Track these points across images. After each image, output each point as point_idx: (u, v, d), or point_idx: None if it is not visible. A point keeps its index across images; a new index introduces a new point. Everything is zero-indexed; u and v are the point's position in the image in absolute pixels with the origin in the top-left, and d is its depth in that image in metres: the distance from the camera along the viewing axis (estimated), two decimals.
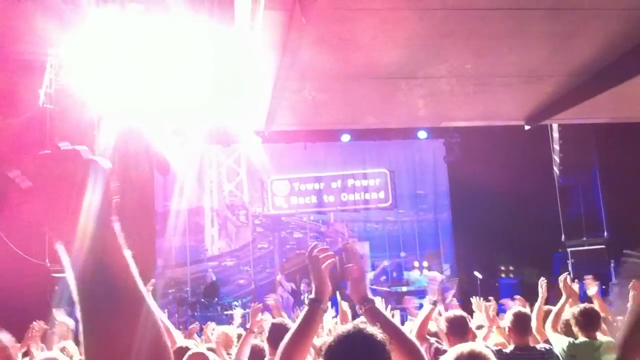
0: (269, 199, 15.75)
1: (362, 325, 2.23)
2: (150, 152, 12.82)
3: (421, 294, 13.08)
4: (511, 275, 14.89)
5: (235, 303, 14.15)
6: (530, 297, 6.51)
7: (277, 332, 5.11)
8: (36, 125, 9.85)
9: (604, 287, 8.65)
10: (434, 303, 5.09)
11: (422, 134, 15.14)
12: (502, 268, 14.99)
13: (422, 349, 3.07)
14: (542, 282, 5.77)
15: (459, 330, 4.66)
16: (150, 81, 6.13)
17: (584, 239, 13.39)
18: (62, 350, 5.33)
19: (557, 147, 13.48)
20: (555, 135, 13.39)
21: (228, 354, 5.49)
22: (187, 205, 15.08)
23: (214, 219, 15.62)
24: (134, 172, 12.46)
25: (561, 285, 5.69)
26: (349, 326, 2.25)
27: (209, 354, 4.20)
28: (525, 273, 13.61)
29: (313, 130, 14.37)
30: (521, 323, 4.93)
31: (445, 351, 3.57)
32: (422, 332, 4.84)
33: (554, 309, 5.41)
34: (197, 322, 7.06)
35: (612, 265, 12.32)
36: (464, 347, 2.78)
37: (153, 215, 14.04)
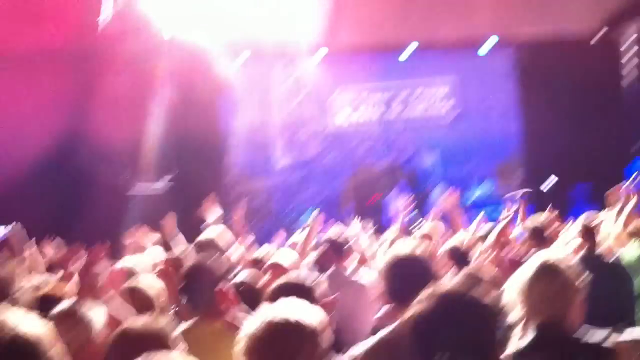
0: (334, 111, 15.73)
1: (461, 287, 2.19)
2: (214, 71, 12.93)
3: (490, 205, 13.03)
4: (583, 182, 14.59)
5: (305, 214, 14.48)
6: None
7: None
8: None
9: None
10: (511, 213, 5.17)
11: (489, 43, 14.68)
12: (575, 175, 14.67)
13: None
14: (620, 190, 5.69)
15: (537, 237, 4.76)
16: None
17: None
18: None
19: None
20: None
21: None
22: (252, 122, 15.25)
23: (283, 133, 15.76)
24: (197, 92, 12.65)
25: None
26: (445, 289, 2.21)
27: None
28: (598, 179, 13.34)
29: (377, 41, 14.15)
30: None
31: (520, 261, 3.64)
32: (499, 239, 4.92)
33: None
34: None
35: None
36: (541, 257, 2.79)
37: (219, 134, 14.31)
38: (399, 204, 7.73)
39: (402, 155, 15.78)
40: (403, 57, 14.95)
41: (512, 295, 2.90)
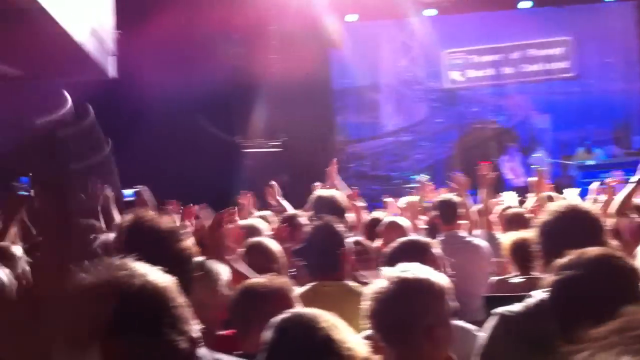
0: (444, 73, 15.43)
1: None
2: (323, 33, 12.94)
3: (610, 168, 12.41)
4: None
5: (414, 177, 14.39)
6: None
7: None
8: None
9: None
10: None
11: None
12: None
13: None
14: None
15: None
16: None
17: None
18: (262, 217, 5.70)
19: None
20: None
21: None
22: (362, 82, 15.20)
23: (390, 95, 15.64)
24: (308, 54, 12.70)
25: None
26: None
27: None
28: None
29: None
30: None
31: None
32: (623, 208, 4.71)
33: None
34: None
35: None
36: None
37: (328, 96, 14.39)
38: (511, 167, 7.54)
39: (513, 118, 15.32)
40: (516, 15, 14.45)
41: None
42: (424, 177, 6.46)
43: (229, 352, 2.34)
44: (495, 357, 2.42)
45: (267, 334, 1.87)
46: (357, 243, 4.07)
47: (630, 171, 6.12)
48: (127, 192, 5.05)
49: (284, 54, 12.52)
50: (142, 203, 4.06)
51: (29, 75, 8.60)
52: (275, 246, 4.01)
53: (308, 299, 2.94)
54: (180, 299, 1.58)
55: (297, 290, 3.15)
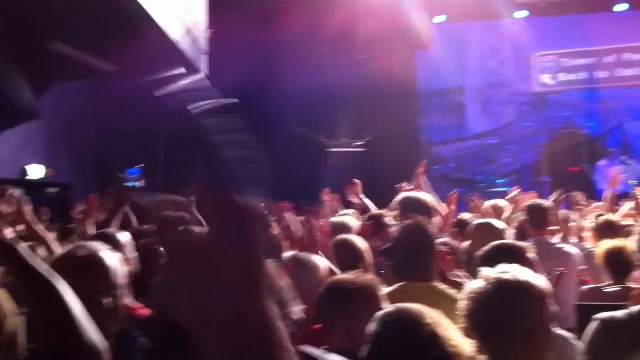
0: (534, 76, 15.05)
1: None
2: (411, 33, 12.89)
3: None
4: None
5: (499, 181, 14.14)
6: None
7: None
8: None
9: None
10: None
11: None
12: None
13: None
14: None
15: None
16: None
17: None
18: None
19: None
20: None
21: None
22: (448, 84, 15.03)
23: (476, 97, 15.39)
24: (394, 51, 12.67)
25: None
26: None
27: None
28: None
29: (581, 1, 13.37)
30: None
31: None
32: None
33: None
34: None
35: None
36: None
37: (413, 96, 14.31)
38: (608, 174, 7.31)
39: (605, 124, 14.80)
40: (611, 18, 13.95)
41: None
42: (515, 191, 6.37)
43: (314, 346, 2.36)
44: None
45: (372, 327, 1.87)
46: (444, 244, 4.03)
47: None
48: None
49: (371, 55, 12.52)
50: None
51: (123, 72, 8.93)
52: (362, 244, 4.02)
53: (395, 299, 2.92)
54: (282, 281, 1.60)
55: (384, 289, 3.14)
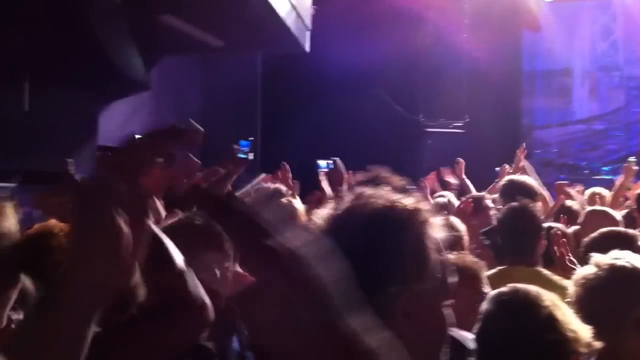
0: None
1: None
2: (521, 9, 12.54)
3: None
4: None
5: (604, 168, 13.60)
6: None
7: None
8: None
9: None
10: None
11: None
12: None
13: None
14: None
15: None
16: None
17: None
18: None
19: None
20: None
21: None
22: (554, 65, 14.54)
23: (584, 80, 14.80)
24: (500, 30, 12.37)
25: None
26: None
27: None
28: None
29: None
30: None
31: None
32: None
33: None
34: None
35: None
36: None
37: (516, 76, 13.95)
38: None
39: None
40: None
41: None
42: (632, 161, 6.09)
43: None
44: None
45: (486, 306, 1.87)
46: (550, 228, 3.95)
47: None
48: (322, 163, 5.21)
49: (476, 33, 12.26)
50: (338, 174, 4.20)
51: (230, 47, 9.15)
52: (460, 225, 3.99)
53: (496, 282, 2.89)
54: None
55: (491, 271, 3.12)
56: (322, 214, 1.26)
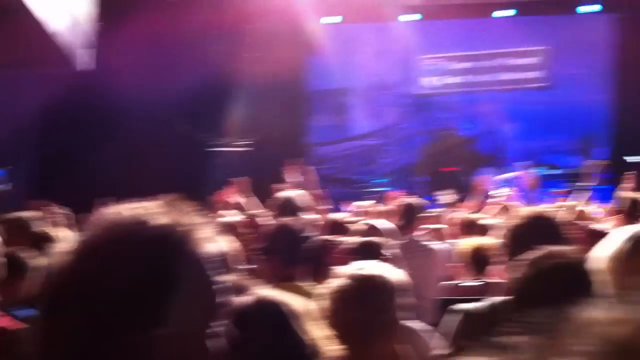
0: (418, 79, 15.51)
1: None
2: (302, 32, 12.94)
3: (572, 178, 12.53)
4: None
5: (379, 181, 14.49)
6: None
7: None
8: None
9: None
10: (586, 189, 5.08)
11: (584, 8, 14.05)
12: None
13: None
14: None
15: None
16: None
17: None
18: None
19: None
20: None
21: None
22: (336, 84, 15.26)
23: (360, 99, 15.69)
24: (282, 52, 12.73)
25: None
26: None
27: None
28: None
29: (463, 4, 13.87)
30: None
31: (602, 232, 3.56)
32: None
33: None
34: None
35: None
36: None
37: (300, 97, 14.45)
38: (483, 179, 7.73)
39: (481, 126, 15.43)
40: (493, 24, 14.58)
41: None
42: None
43: None
44: (457, 350, 2.47)
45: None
46: (325, 241, 4.13)
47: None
48: None
49: (261, 53, 12.55)
50: None
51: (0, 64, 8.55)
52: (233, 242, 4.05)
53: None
54: None
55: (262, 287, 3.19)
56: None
